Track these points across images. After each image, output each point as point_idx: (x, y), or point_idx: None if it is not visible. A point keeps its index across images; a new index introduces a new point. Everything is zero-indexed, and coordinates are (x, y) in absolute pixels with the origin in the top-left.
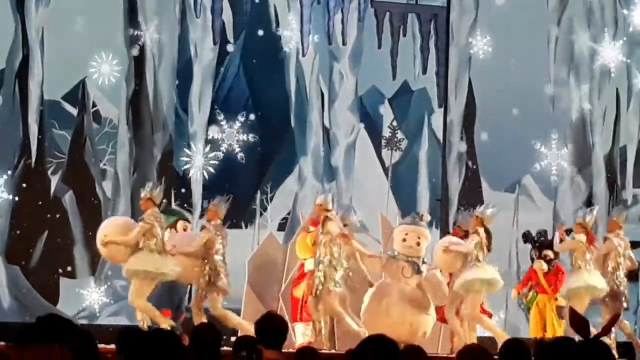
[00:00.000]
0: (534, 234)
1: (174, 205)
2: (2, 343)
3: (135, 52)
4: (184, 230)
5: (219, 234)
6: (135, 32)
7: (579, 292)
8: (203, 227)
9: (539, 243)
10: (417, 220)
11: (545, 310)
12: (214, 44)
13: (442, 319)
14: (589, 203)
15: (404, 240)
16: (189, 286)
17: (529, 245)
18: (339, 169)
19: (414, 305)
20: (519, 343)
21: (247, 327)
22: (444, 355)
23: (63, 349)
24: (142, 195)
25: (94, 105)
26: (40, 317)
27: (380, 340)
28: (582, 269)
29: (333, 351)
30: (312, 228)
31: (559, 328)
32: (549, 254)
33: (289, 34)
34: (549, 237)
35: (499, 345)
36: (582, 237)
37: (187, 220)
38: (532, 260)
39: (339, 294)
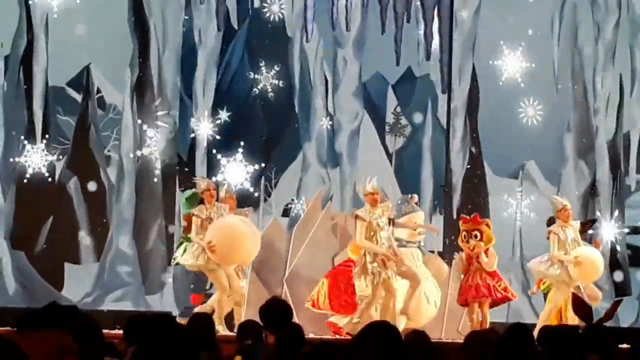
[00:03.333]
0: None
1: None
2: (8, 328)
3: (139, 38)
4: None
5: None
6: (140, 18)
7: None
8: (195, 216)
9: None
10: (412, 205)
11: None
12: (218, 30)
13: (463, 302)
14: (592, 189)
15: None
16: None
17: (531, 232)
18: (343, 154)
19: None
20: (523, 328)
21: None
22: (449, 340)
23: (62, 333)
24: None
25: (99, 91)
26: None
27: (382, 327)
28: None
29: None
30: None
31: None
32: None
33: (293, 20)
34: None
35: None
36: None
37: None
38: None
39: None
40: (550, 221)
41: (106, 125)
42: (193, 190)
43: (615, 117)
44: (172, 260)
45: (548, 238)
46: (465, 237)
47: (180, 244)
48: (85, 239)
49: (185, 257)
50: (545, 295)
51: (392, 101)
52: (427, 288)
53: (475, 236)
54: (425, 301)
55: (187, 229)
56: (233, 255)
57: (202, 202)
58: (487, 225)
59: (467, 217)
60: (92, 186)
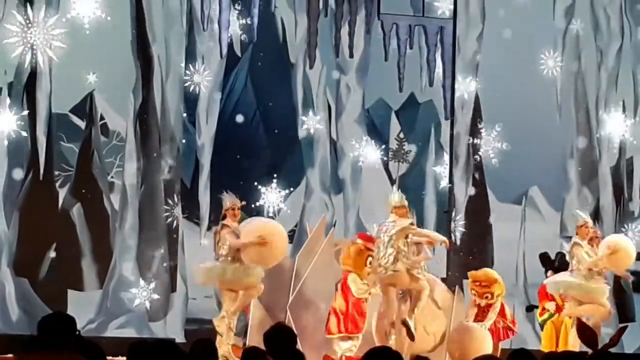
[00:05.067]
0: (552, 256)
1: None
2: (11, 355)
3: (142, 64)
4: None
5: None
6: (143, 45)
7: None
8: (225, 226)
9: (558, 265)
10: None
11: (561, 327)
12: (221, 56)
13: None
14: (596, 215)
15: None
16: None
17: (535, 258)
18: (346, 181)
19: None
20: (527, 354)
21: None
22: None
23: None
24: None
25: (102, 118)
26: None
27: (386, 352)
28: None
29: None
30: (359, 241)
31: (573, 346)
32: None
33: (296, 46)
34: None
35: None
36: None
37: None
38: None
39: None
40: (544, 257)
41: (109, 152)
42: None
43: (619, 142)
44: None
45: (569, 252)
46: (475, 294)
47: None
48: (88, 265)
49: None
50: (541, 326)
51: (395, 127)
52: (427, 320)
53: (486, 297)
54: (423, 331)
55: None
56: (280, 252)
57: (224, 218)
58: (498, 283)
59: (476, 274)
60: (95, 213)
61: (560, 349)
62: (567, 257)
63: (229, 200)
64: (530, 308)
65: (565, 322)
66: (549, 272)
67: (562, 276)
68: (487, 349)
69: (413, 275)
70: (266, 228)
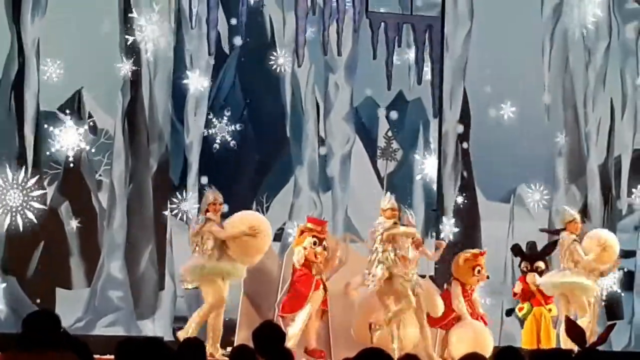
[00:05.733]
0: (523, 246)
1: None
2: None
3: (130, 62)
4: None
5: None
6: (131, 42)
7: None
8: (209, 220)
9: (530, 255)
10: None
11: (542, 321)
12: (209, 54)
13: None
14: (584, 213)
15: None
16: None
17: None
18: (335, 179)
19: None
20: (514, 351)
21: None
22: None
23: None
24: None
25: (90, 116)
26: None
27: (376, 353)
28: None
29: None
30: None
31: (554, 340)
32: (540, 265)
33: (285, 45)
34: (538, 249)
35: None
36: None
37: None
38: (523, 272)
39: None
40: (515, 248)
41: (98, 150)
42: None
43: (607, 141)
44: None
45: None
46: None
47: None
48: (76, 264)
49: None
50: (521, 322)
51: (383, 125)
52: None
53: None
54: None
55: None
56: (266, 245)
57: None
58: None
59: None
60: (83, 211)
61: (543, 344)
62: (560, 254)
63: (212, 194)
64: (509, 312)
65: (545, 315)
66: (523, 263)
67: (562, 276)
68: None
69: (397, 289)
70: (256, 219)
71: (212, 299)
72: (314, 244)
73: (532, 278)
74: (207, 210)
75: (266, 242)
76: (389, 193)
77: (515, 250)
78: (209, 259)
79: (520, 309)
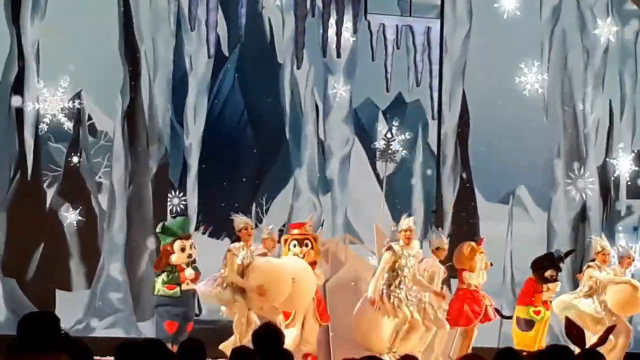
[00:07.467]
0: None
1: (169, 220)
2: None
3: (130, 64)
4: (182, 250)
5: None
6: (131, 45)
7: None
8: (230, 252)
9: (559, 265)
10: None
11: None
12: (209, 56)
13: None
14: (582, 214)
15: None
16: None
17: (522, 257)
18: (334, 181)
19: None
20: (514, 352)
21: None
22: None
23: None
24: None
25: (90, 118)
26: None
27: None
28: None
29: None
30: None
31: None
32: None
33: (284, 47)
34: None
35: None
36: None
37: (186, 237)
38: (546, 280)
39: None
40: (559, 256)
41: (97, 152)
42: (179, 219)
43: (605, 142)
44: (154, 292)
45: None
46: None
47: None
48: (76, 265)
49: (207, 286)
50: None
51: (382, 127)
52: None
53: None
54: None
55: (163, 262)
56: (281, 298)
57: (238, 239)
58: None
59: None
60: (83, 213)
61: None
62: (584, 279)
63: (242, 221)
64: (506, 318)
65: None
66: (550, 271)
67: (581, 303)
68: None
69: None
70: (269, 275)
71: (238, 315)
72: (294, 246)
73: (556, 287)
74: (239, 238)
75: (280, 296)
76: (410, 216)
77: (560, 258)
78: (225, 290)
79: (537, 313)
